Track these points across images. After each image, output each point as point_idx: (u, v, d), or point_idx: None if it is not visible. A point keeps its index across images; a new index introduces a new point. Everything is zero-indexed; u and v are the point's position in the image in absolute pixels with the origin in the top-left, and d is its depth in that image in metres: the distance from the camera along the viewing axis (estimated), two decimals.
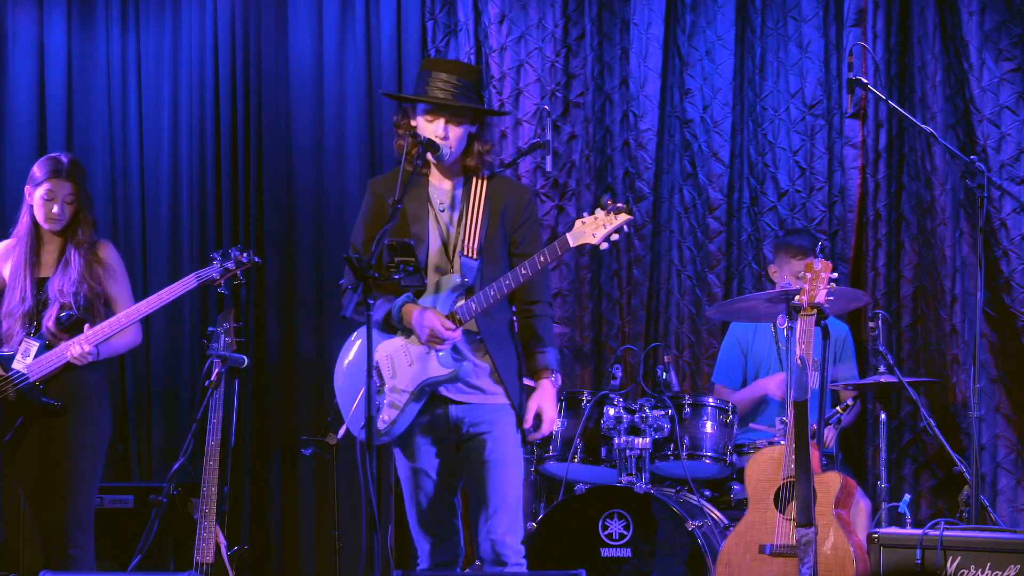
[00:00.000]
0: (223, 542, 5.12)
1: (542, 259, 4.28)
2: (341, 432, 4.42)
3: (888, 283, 6.26)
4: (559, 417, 5.51)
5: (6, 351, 5.14)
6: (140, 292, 6.01)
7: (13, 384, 5.07)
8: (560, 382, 4.55)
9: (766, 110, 6.48)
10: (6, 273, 5.23)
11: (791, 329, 5.14)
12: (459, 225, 4.44)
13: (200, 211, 6.91)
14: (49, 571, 4.62)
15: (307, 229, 6.90)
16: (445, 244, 4.43)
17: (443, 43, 6.76)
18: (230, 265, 5.23)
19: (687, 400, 5.55)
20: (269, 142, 6.92)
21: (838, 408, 5.63)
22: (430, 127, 4.39)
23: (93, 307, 5.18)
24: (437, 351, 4.33)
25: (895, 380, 5.46)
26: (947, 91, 6.17)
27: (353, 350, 4.53)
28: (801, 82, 6.43)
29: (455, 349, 4.36)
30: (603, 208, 4.26)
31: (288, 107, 6.94)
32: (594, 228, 4.26)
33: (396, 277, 4.13)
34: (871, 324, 5.64)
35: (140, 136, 7.02)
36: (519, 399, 4.43)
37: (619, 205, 4.24)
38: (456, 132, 4.40)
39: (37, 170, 5.19)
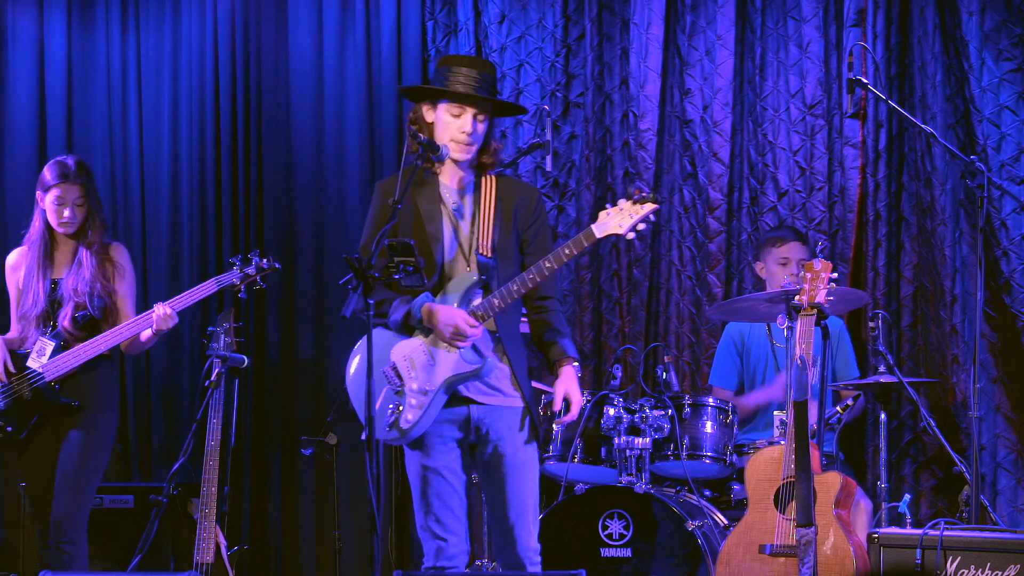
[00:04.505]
0: (223, 542, 5.12)
1: (567, 251, 4.26)
2: (363, 435, 4.42)
3: (888, 283, 6.25)
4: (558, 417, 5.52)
5: (21, 351, 5.17)
6: (140, 291, 5.99)
7: (29, 383, 5.10)
8: (581, 371, 4.55)
9: (766, 110, 6.47)
10: (21, 277, 5.27)
11: (791, 329, 5.13)
12: (473, 224, 4.43)
13: (200, 211, 6.91)
14: (49, 571, 4.62)
15: (307, 229, 6.90)
16: (460, 243, 4.42)
17: (443, 43, 6.76)
18: (251, 270, 5.26)
19: (687, 400, 5.56)
20: (269, 142, 6.92)
21: (838, 408, 5.63)
22: (456, 122, 4.37)
23: (106, 306, 5.23)
24: (459, 348, 4.33)
25: (895, 380, 5.45)
26: (947, 91, 6.17)
27: (363, 353, 4.52)
28: (801, 82, 6.43)
29: (475, 347, 4.35)
30: (628, 198, 4.23)
31: (288, 107, 6.93)
32: (620, 218, 4.23)
33: (396, 277, 4.13)
34: (871, 324, 5.63)
35: (140, 136, 7.02)
36: (532, 400, 4.45)
37: (645, 195, 4.21)
38: (481, 127, 4.39)
39: (47, 174, 5.23)
